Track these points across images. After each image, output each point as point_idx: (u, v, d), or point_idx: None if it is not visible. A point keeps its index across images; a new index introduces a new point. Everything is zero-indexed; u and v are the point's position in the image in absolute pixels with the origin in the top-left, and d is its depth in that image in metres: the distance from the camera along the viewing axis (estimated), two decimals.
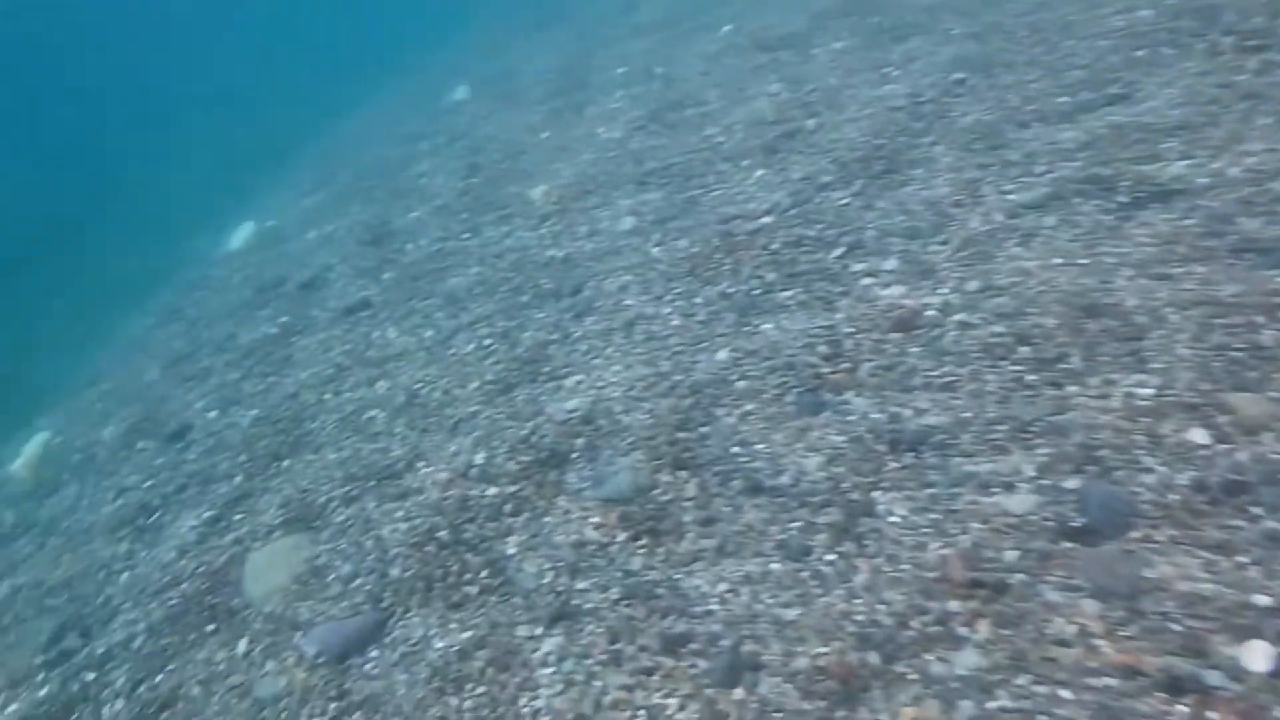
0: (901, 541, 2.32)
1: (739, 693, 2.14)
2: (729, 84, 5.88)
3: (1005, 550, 2.17)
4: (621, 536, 2.78)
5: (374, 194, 7.79)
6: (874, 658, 2.08)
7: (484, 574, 2.92)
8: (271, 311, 6.35)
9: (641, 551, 2.70)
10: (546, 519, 3.00)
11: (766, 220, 3.95)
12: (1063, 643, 1.94)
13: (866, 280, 3.32)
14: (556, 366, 3.79)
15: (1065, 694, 1.85)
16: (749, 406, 2.99)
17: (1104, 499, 2.16)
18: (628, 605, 2.52)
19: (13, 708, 3.56)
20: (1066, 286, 2.81)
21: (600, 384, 3.47)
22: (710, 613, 2.39)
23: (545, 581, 2.75)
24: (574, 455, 3.21)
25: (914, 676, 2.02)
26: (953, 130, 4.01)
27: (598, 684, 2.33)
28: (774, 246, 3.76)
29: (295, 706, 2.81)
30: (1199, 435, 2.21)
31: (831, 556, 2.37)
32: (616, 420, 3.23)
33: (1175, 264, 2.73)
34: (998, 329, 2.80)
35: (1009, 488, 2.30)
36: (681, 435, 3.01)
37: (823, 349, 3.06)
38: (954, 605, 2.12)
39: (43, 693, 3.56)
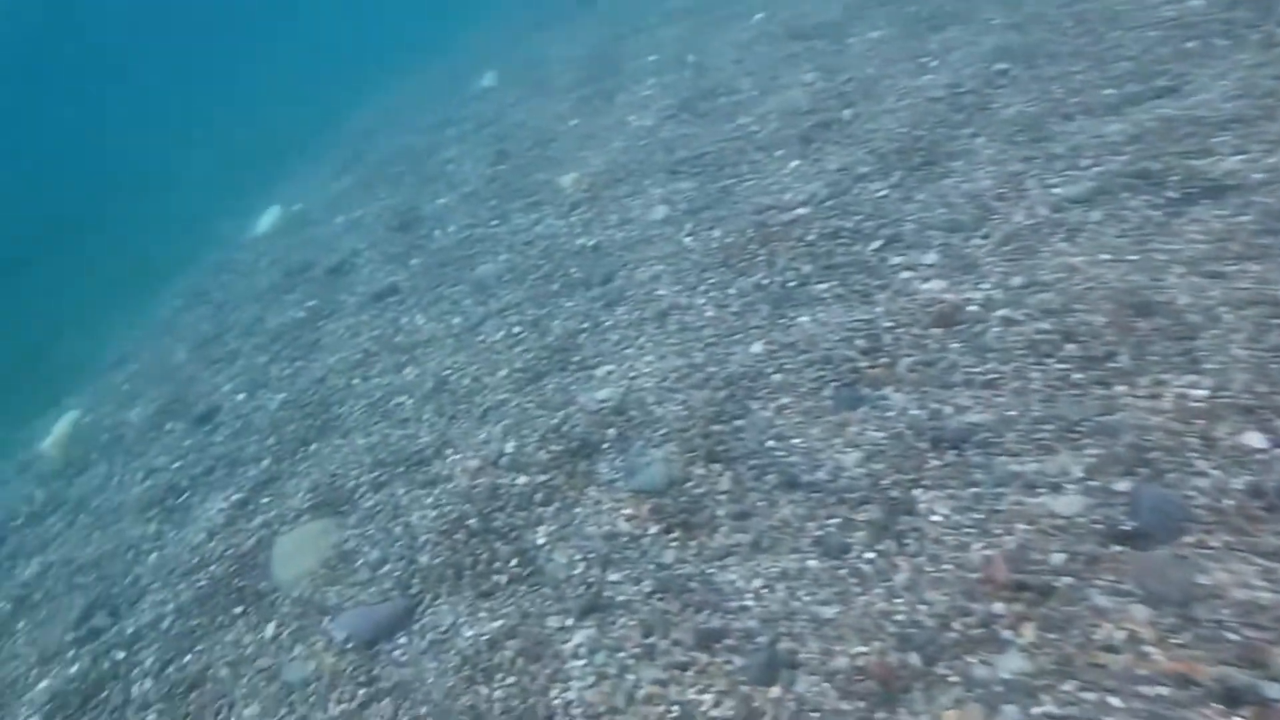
0: (943, 541, 2.27)
1: (775, 691, 2.11)
2: (762, 72, 5.81)
3: (1052, 553, 2.12)
4: (654, 529, 2.74)
5: (401, 180, 7.78)
6: (915, 659, 2.04)
7: (513, 563, 2.90)
8: (299, 295, 6.37)
9: (674, 544, 2.66)
10: (577, 509, 2.98)
11: (802, 211, 3.89)
12: (1111, 649, 1.89)
13: (906, 274, 3.26)
14: (587, 356, 3.76)
15: (1115, 701, 1.80)
16: (785, 400, 2.94)
17: (1156, 502, 2.10)
18: (661, 599, 2.49)
19: (45, 683, 3.59)
20: (1115, 283, 2.74)
21: (632, 374, 3.44)
22: (745, 608, 2.35)
23: (576, 572, 2.73)
24: (605, 446, 3.18)
25: (956, 679, 1.98)
26: (994, 122, 3.93)
27: (630, 678, 2.31)
28: (810, 238, 3.70)
29: (324, 691, 2.81)
30: (1255, 439, 2.14)
31: (871, 555, 2.33)
32: (649, 411, 3.20)
33: (1229, 262, 2.65)
34: (1043, 326, 2.74)
35: (1056, 489, 2.25)
36: (715, 428, 2.97)
37: (861, 343, 3.01)
38: (998, 607, 2.07)
39: (74, 669, 3.58)
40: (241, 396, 5.29)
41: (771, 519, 2.58)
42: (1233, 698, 1.71)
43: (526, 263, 4.86)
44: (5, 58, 22.11)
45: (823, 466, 2.63)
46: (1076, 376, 2.54)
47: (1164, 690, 1.77)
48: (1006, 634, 2.01)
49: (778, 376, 3.05)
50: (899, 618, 2.14)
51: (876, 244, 3.49)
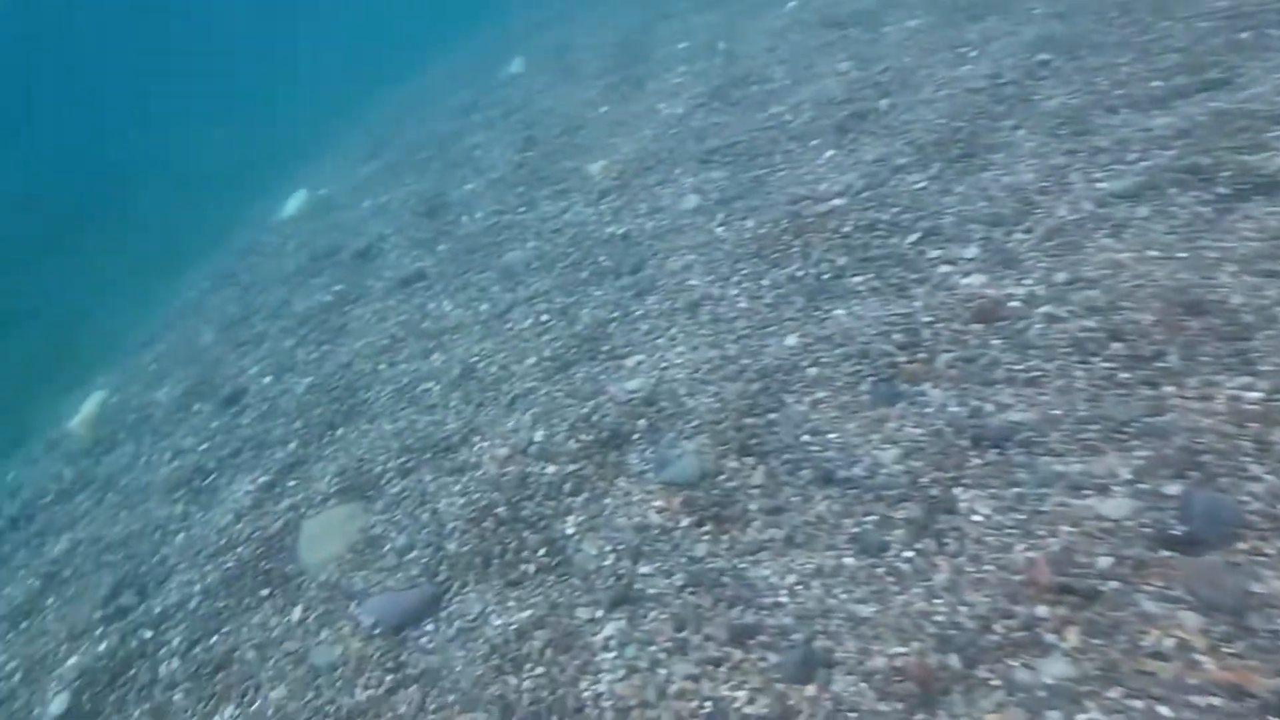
0: (985, 541, 2.22)
1: (811, 689, 2.07)
2: (795, 61, 5.73)
3: (1098, 556, 2.06)
4: (685, 522, 2.71)
5: (428, 165, 7.77)
6: (955, 661, 2.00)
7: (542, 552, 2.88)
8: (326, 279, 6.37)
9: (705, 538, 2.63)
10: (606, 500, 2.95)
11: (838, 202, 3.83)
12: (1160, 656, 1.84)
13: (945, 268, 3.20)
14: (616, 345, 3.73)
15: (1164, 710, 1.75)
16: (820, 394, 2.89)
17: (1208, 507, 2.04)
18: (692, 593, 2.46)
19: (74, 660, 3.62)
20: (1164, 281, 2.67)
21: (663, 365, 3.40)
22: (780, 605, 2.31)
23: (606, 564, 2.70)
24: (635, 436, 3.15)
25: (997, 682, 1.93)
26: (1036, 114, 3.84)
27: (662, 672, 2.28)
28: (845, 230, 3.64)
29: (351, 676, 2.80)
30: None
31: (909, 554, 2.28)
32: (680, 403, 3.16)
33: None
34: (1088, 323, 2.67)
35: (1103, 490, 2.19)
36: (749, 421, 2.93)
37: (898, 337, 2.95)
38: (1041, 610, 2.02)
39: (102, 647, 3.61)
40: (268, 379, 5.30)
41: (806, 514, 2.54)
42: None
43: (555, 250, 4.82)
44: (38, 46, 22.36)
45: (860, 462, 2.58)
46: (1123, 376, 2.47)
47: (1216, 701, 1.72)
48: (1050, 638, 1.97)
49: (813, 370, 3.00)
50: (938, 618, 2.10)
51: (914, 237, 3.43)
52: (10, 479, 6.45)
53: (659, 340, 3.59)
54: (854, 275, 3.41)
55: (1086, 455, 2.29)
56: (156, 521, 4.43)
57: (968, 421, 2.55)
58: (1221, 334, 2.43)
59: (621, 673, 2.33)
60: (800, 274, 3.55)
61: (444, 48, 15.03)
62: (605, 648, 2.43)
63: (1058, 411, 2.45)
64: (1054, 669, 1.91)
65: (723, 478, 2.79)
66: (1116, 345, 2.56)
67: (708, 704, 2.15)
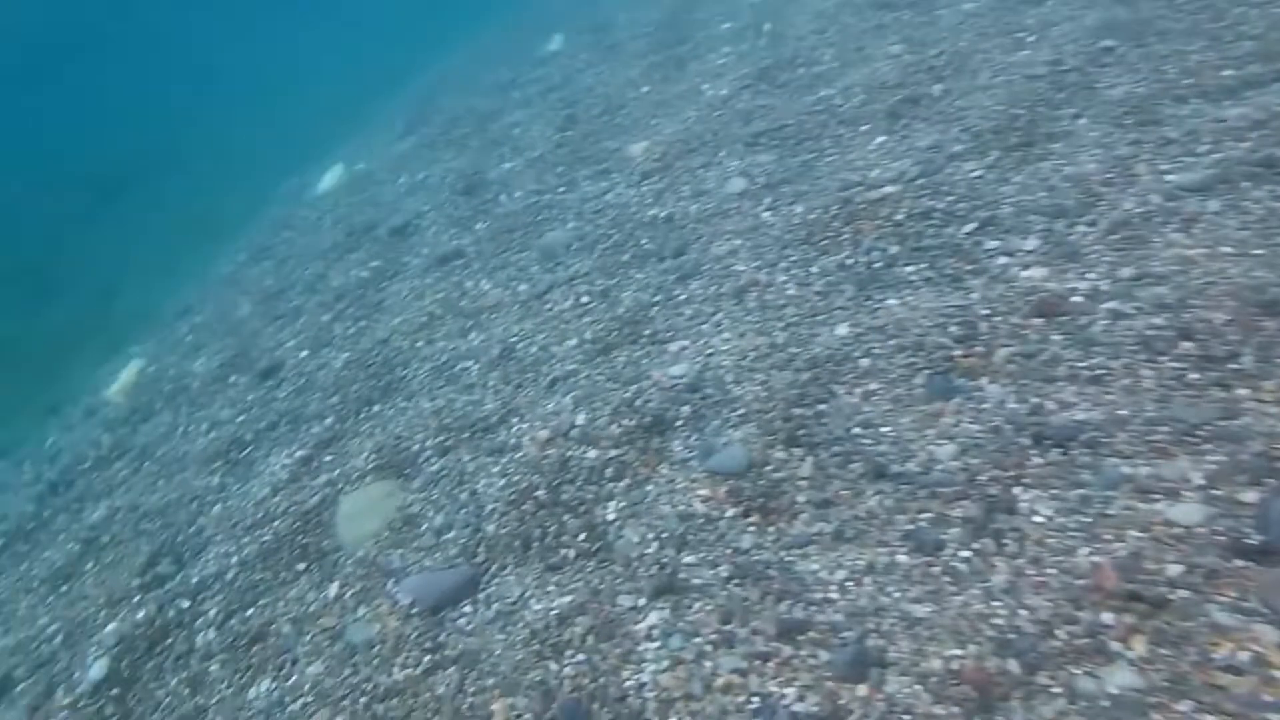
0: (1046, 544, 2.14)
1: (863, 689, 2.02)
2: (845, 43, 5.60)
3: (1167, 563, 1.98)
4: (730, 512, 2.66)
5: (466, 142, 7.72)
6: (1014, 666, 1.94)
7: (582, 537, 2.84)
8: (363, 255, 6.36)
9: (751, 529, 2.58)
10: (649, 486, 2.90)
11: (890, 189, 3.73)
12: (1233, 670, 1.77)
13: (1003, 259, 3.10)
14: (659, 329, 3.67)
15: None
16: (873, 386, 2.82)
17: None
18: (738, 585, 2.41)
19: (112, 626, 3.65)
20: (1239, 279, 2.56)
21: (708, 351, 3.34)
22: (829, 601, 2.26)
23: (648, 552, 2.66)
24: (679, 423, 3.09)
25: (1058, 690, 1.87)
26: (1099, 102, 3.71)
27: (708, 664, 2.23)
28: (898, 218, 3.54)
29: (388, 654, 2.79)
30: None
31: (966, 553, 2.21)
32: (726, 390, 3.10)
33: None
34: (1156, 321, 2.57)
35: (1173, 495, 2.11)
36: (797, 411, 2.86)
37: (955, 330, 2.87)
38: (1106, 617, 1.95)
39: (140, 614, 3.64)
40: (305, 353, 5.31)
41: (856, 509, 2.47)
42: None
43: (595, 231, 4.76)
44: (73, 18, 22.57)
45: (914, 458, 2.51)
46: (1193, 377, 2.38)
47: None
48: (1115, 646, 1.90)
49: (865, 361, 2.92)
50: (997, 621, 2.03)
51: (970, 227, 3.33)
52: (49, 444, 6.54)
53: (703, 326, 3.52)
54: (906, 265, 3.32)
55: (1155, 458, 2.21)
56: (194, 492, 4.46)
57: (1028, 419, 2.47)
58: None
59: (665, 663, 2.29)
60: (850, 262, 3.46)
61: (481, 23, 14.93)
62: (648, 637, 2.39)
63: (1124, 411, 2.36)
64: (1119, 679, 1.84)
65: (769, 468, 2.73)
66: (1186, 344, 2.46)
67: (755, 699, 2.11)
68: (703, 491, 2.77)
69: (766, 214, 4.06)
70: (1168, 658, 1.83)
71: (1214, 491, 2.07)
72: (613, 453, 3.09)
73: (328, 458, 4.07)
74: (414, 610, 2.90)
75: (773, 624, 2.25)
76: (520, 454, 3.32)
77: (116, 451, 5.54)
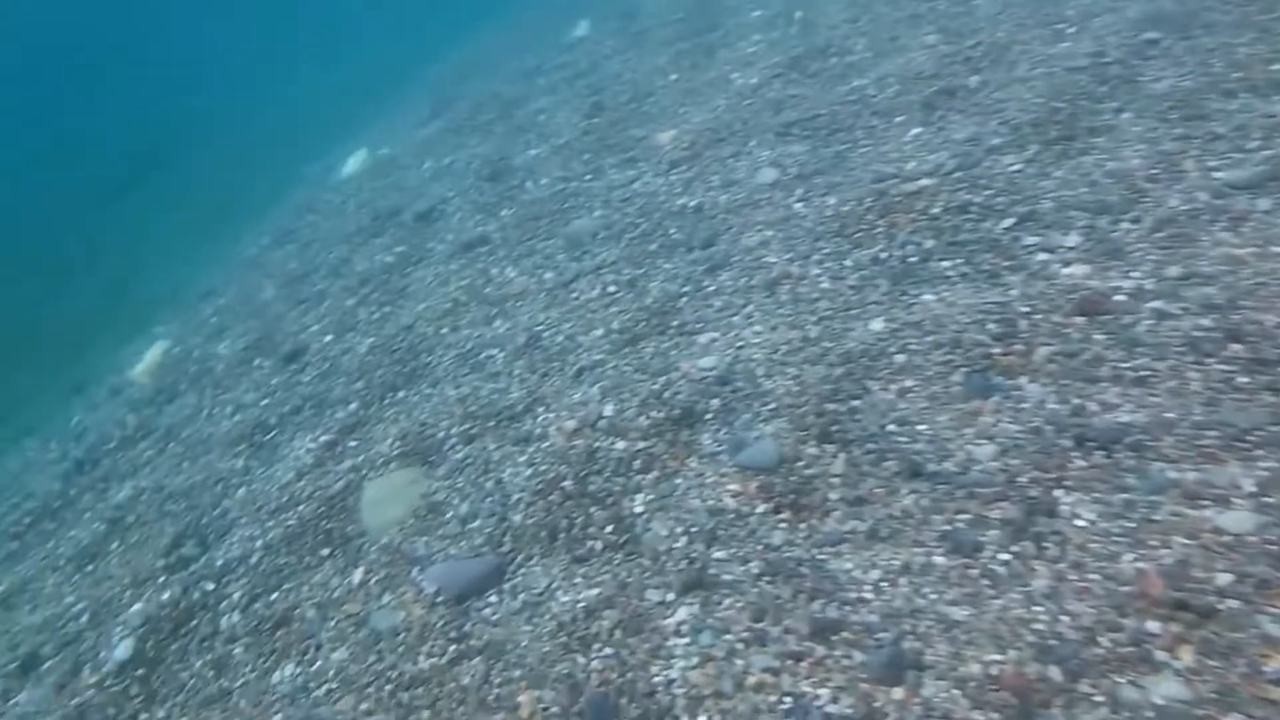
0: (1089, 548, 2.09)
1: (899, 692, 1.98)
2: (878, 33, 5.51)
3: (1216, 572, 1.93)
4: (761, 507, 2.62)
5: (491, 128, 7.69)
6: (1055, 673, 1.89)
7: (609, 530, 2.82)
8: (388, 240, 6.35)
9: (782, 526, 2.54)
10: (678, 480, 2.87)
11: (926, 182, 3.66)
12: None
13: (1043, 255, 3.03)
14: (687, 320, 3.63)
15: None
16: (909, 383, 2.77)
17: None
18: (770, 582, 2.38)
19: (138, 606, 3.67)
20: None
21: (739, 344, 3.29)
22: (863, 601, 2.22)
23: (677, 546, 2.63)
24: (708, 416, 3.06)
25: (1101, 699, 1.82)
26: (1143, 96, 3.63)
27: (739, 662, 2.20)
28: (934, 211, 3.48)
29: (413, 642, 2.78)
30: None
31: (1005, 556, 2.17)
32: (757, 384, 3.06)
33: None
34: (1203, 322, 2.51)
35: (1222, 502, 2.05)
36: (830, 407, 2.82)
37: (993, 327, 2.81)
38: (1152, 626, 1.90)
39: (165, 595, 3.65)
40: (329, 338, 5.30)
41: (891, 508, 2.43)
42: None
43: (623, 220, 4.72)
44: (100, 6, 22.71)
45: (951, 457, 2.46)
46: (1242, 380, 2.32)
47: None
48: (1161, 655, 1.85)
49: (900, 357, 2.87)
50: (1038, 626, 1.99)
51: (1009, 222, 3.26)
52: (75, 423, 6.59)
53: (734, 318, 3.48)
54: (942, 259, 3.26)
55: (1204, 463, 2.15)
56: (218, 474, 4.47)
57: (1070, 420, 2.41)
58: None
59: (695, 660, 2.26)
60: (884, 255, 3.41)
61: (505, 8, 14.87)
62: (677, 632, 2.37)
63: (1171, 415, 2.30)
64: (1165, 689, 1.80)
65: (801, 464, 2.69)
66: (1235, 347, 2.40)
67: (787, 699, 2.07)
68: (733, 486, 2.73)
69: (798, 205, 4.00)
70: (1216, 669, 1.79)
71: (1266, 499, 2.01)
72: (641, 445, 3.06)
73: (352, 443, 4.07)
74: (439, 599, 2.89)
75: (805, 623, 2.22)
76: (547, 444, 3.29)
77: (141, 432, 5.56)
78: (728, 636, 2.28)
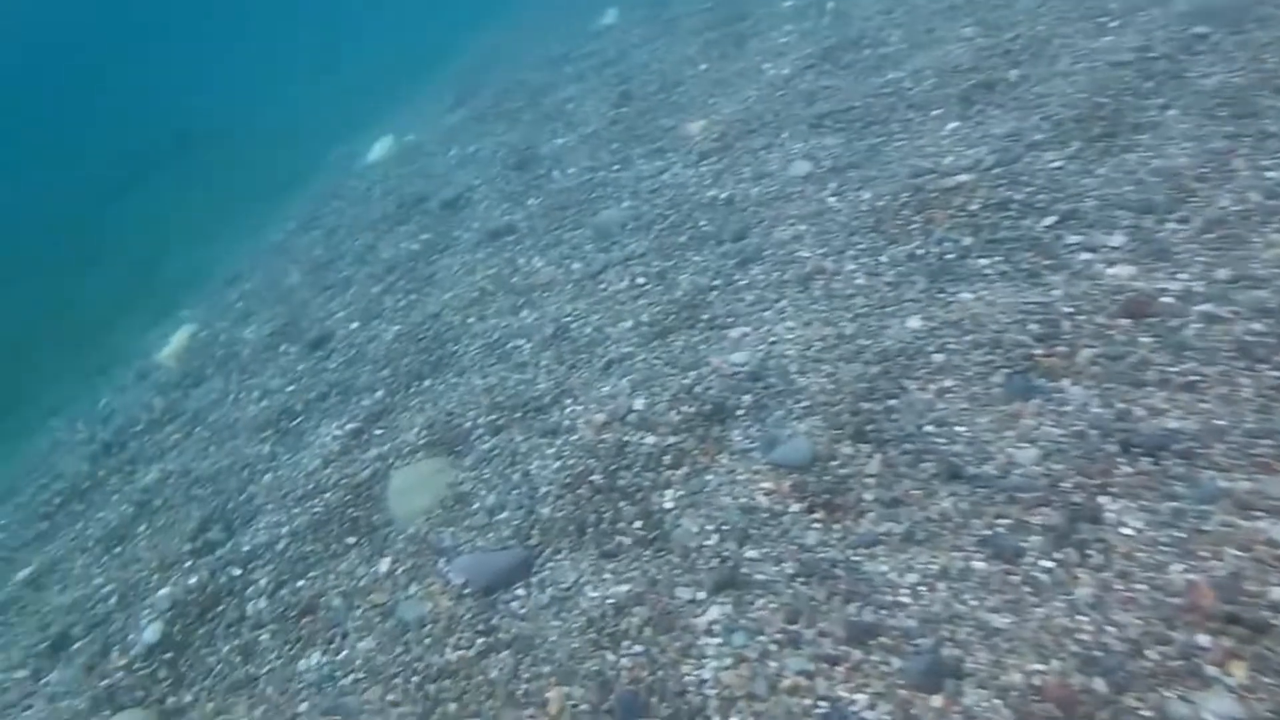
0: (1135, 558, 2.04)
1: (938, 700, 1.94)
2: (914, 24, 5.42)
3: (1271, 586, 1.87)
4: (795, 507, 2.58)
5: (518, 116, 7.65)
6: (1100, 685, 1.85)
7: (638, 525, 2.79)
8: (413, 228, 6.34)
9: (816, 526, 2.50)
10: (708, 476, 2.84)
11: (965, 178, 3.59)
12: None
13: (1085, 255, 2.97)
14: (718, 314, 3.58)
15: None
16: (947, 382, 2.72)
17: None
18: (804, 583, 2.34)
19: (165, 590, 3.68)
20: None
21: (771, 339, 3.25)
22: (901, 605, 2.18)
23: (708, 544, 2.60)
24: (740, 412, 3.02)
25: (1148, 713, 1.78)
26: (1191, 92, 3.54)
27: (773, 664, 2.17)
28: (972, 207, 3.42)
29: (440, 634, 2.77)
30: None
31: (1048, 563, 2.12)
32: (790, 380, 3.02)
33: None
34: (1255, 326, 2.44)
35: (1277, 514, 1.99)
36: (866, 405, 2.77)
37: (1034, 327, 2.75)
38: (1203, 639, 1.85)
39: (192, 580, 3.66)
40: (355, 325, 5.30)
41: (928, 510, 2.39)
42: None
43: (652, 211, 4.67)
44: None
45: (992, 460, 2.41)
46: None
47: None
48: (1212, 670, 1.80)
49: (939, 356, 2.82)
50: (1082, 636, 1.94)
51: (1050, 220, 3.19)
52: (103, 405, 6.64)
53: (765, 313, 3.43)
54: (980, 257, 3.20)
55: (1257, 473, 2.09)
56: (244, 460, 4.48)
57: (1115, 425, 2.36)
58: None
59: (728, 660, 2.24)
60: (921, 252, 3.35)
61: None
62: (709, 632, 2.34)
63: (1221, 422, 2.24)
64: (1217, 705, 1.75)
65: (835, 463, 2.65)
66: None
67: (823, 704, 2.04)
68: (766, 484, 2.69)
69: (832, 199, 3.94)
70: (1271, 687, 1.73)
71: None
72: (671, 440, 3.02)
73: (378, 431, 4.06)
74: (466, 590, 2.87)
75: (841, 626, 2.18)
76: (575, 436, 3.27)
77: (168, 415, 5.59)
78: (761, 637, 2.25)
